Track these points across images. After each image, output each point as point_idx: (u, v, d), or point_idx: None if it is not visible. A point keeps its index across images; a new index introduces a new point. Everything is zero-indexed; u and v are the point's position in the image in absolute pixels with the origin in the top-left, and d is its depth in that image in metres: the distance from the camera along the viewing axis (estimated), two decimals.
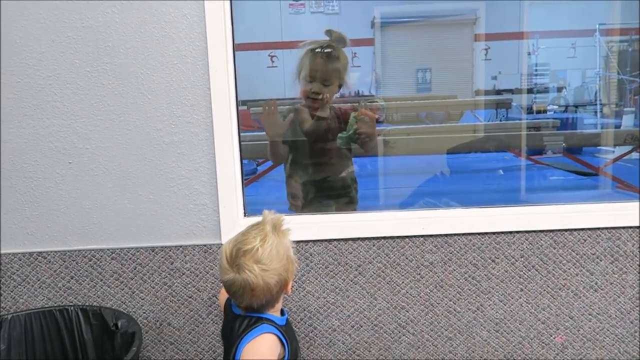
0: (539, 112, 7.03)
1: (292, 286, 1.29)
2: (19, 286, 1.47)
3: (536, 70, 7.34)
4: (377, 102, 5.03)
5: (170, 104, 1.39)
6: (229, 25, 1.39)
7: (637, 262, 1.48)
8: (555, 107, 7.30)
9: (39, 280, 1.47)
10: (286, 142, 1.83)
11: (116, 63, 1.37)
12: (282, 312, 1.20)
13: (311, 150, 1.83)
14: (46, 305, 1.47)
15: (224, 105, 1.39)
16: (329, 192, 1.79)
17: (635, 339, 1.52)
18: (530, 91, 7.20)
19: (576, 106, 7.21)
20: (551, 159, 5.37)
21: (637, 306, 1.50)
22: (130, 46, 1.36)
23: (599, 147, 5.23)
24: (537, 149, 5.48)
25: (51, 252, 1.46)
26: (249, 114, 3.90)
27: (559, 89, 7.09)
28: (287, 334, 1.15)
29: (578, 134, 5.80)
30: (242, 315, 1.14)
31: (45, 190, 1.43)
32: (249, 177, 3.93)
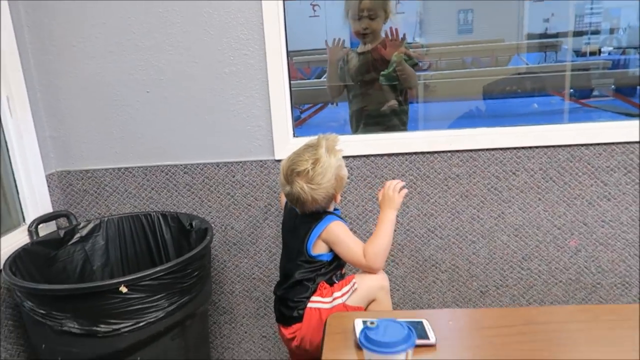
0: (592, 54, 6.79)
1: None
2: (111, 196, 1.79)
3: (591, 9, 7.04)
4: (419, 46, 5.06)
5: (229, 39, 1.62)
6: None
7: None
8: (610, 49, 7.03)
9: (126, 191, 1.78)
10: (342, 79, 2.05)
11: (183, 4, 1.60)
12: (335, 209, 1.44)
13: (358, 83, 2.02)
14: (133, 211, 1.78)
15: (275, 40, 1.60)
16: (375, 120, 1.99)
17: None
18: (582, 33, 6.95)
19: (635, 48, 6.90)
20: (600, 102, 5.28)
21: None
22: None
23: None
24: (585, 91, 5.40)
25: (135, 167, 1.75)
26: (292, 64, 4.07)
27: (612, 30, 6.81)
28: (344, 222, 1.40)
29: (630, 74, 5.62)
30: (308, 213, 1.37)
31: (128, 116, 1.71)
32: (294, 122, 4.15)
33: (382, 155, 1.68)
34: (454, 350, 0.95)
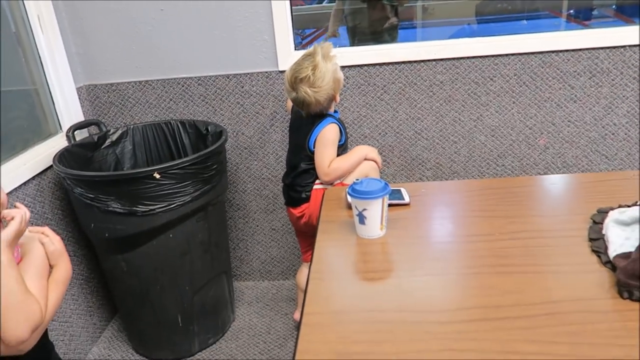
0: None
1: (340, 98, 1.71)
2: (134, 107, 2.02)
3: None
4: None
5: None
6: None
7: (611, 77, 1.82)
8: None
9: (147, 102, 2.00)
10: None
11: None
12: (335, 110, 1.66)
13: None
14: (155, 120, 2.01)
15: None
16: (369, 35, 2.17)
17: (605, 140, 1.91)
18: None
19: None
20: (601, 23, 5.27)
21: (608, 114, 1.87)
22: None
23: None
24: (586, 12, 5.39)
25: (154, 80, 1.96)
26: None
27: None
28: (342, 124, 1.62)
29: None
30: (310, 114, 1.59)
31: (145, 33, 1.90)
32: (295, 46, 4.27)
33: (374, 65, 1.88)
34: (424, 207, 1.21)
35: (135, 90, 1.99)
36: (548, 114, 1.90)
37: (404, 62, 1.87)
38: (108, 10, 1.87)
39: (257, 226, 2.19)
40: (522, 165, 1.98)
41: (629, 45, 1.77)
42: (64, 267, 0.92)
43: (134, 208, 1.54)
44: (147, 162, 1.99)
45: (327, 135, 1.55)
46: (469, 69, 1.86)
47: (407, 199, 1.22)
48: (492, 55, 1.83)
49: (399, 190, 1.26)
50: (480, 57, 1.84)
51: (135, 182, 1.51)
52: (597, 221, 1.03)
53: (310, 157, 1.60)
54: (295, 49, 1.92)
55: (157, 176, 1.51)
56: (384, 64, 1.87)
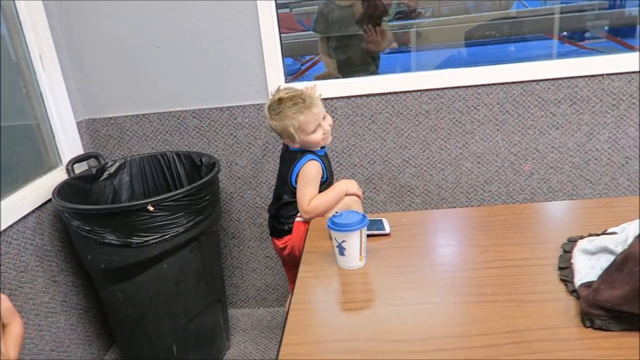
0: None
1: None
2: (131, 139, 2.09)
3: None
4: None
5: None
6: None
7: (591, 105, 1.88)
8: None
9: (144, 134, 2.08)
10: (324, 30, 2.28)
11: None
12: (322, 147, 1.71)
13: (339, 35, 2.26)
14: (151, 152, 2.08)
15: None
16: (354, 67, 2.24)
17: (589, 165, 1.96)
18: None
19: None
20: (595, 44, 5.35)
21: (590, 140, 1.93)
22: None
23: None
24: (579, 34, 5.48)
25: (151, 113, 2.04)
26: (292, 16, 4.23)
27: None
28: (325, 161, 1.66)
29: (625, 14, 5.65)
30: (292, 150, 1.64)
31: (142, 68, 1.98)
32: (294, 74, 4.37)
33: (361, 96, 1.95)
34: (404, 237, 1.26)
35: (132, 124, 2.06)
36: (532, 140, 1.95)
37: (390, 93, 1.94)
38: (107, 48, 1.96)
39: (252, 254, 2.23)
40: (509, 191, 2.03)
41: (607, 74, 1.83)
42: (17, 322, 0.92)
43: (129, 240, 1.59)
44: (144, 193, 2.05)
45: (307, 173, 1.57)
46: (453, 99, 1.92)
47: (387, 229, 1.27)
48: (475, 85, 1.90)
49: (380, 221, 1.31)
50: (464, 87, 1.90)
51: (130, 215, 1.57)
52: (567, 250, 1.08)
53: (292, 191, 1.63)
54: (286, 81, 1.99)
55: (151, 208, 1.56)
56: (370, 95, 1.94)
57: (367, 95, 1.95)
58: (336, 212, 1.15)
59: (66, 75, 1.96)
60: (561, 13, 5.18)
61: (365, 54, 2.24)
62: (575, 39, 5.46)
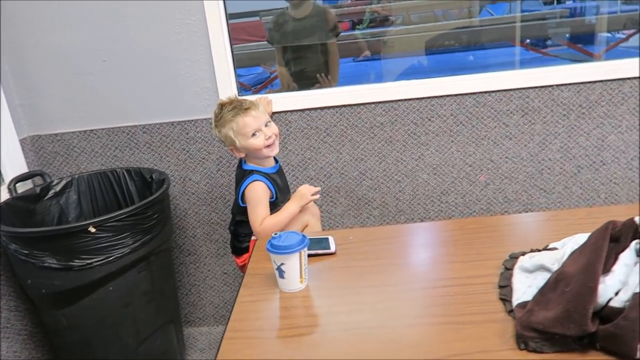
0: (548, 2, 6.92)
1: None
2: (79, 156, 2.02)
3: None
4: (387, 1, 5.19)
5: (174, 9, 1.81)
6: None
7: (542, 115, 1.90)
8: None
9: (93, 150, 2.01)
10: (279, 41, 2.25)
11: None
12: (276, 160, 1.66)
13: (291, 48, 2.24)
14: (101, 169, 2.01)
15: (214, 6, 1.80)
16: (308, 79, 2.22)
17: (542, 175, 1.97)
18: None
19: None
20: (559, 51, 5.45)
21: (542, 149, 1.94)
22: None
23: (615, 35, 5.17)
24: (540, 41, 5.58)
25: (99, 129, 1.97)
26: (262, 24, 4.21)
27: None
28: (274, 180, 1.61)
29: (578, 21, 5.79)
30: (241, 168, 1.60)
31: (90, 83, 1.91)
32: (264, 82, 4.33)
33: (315, 109, 1.92)
34: (349, 256, 1.23)
35: (80, 140, 1.99)
36: (486, 151, 1.95)
37: (344, 105, 1.92)
38: (52, 62, 1.89)
39: (209, 271, 2.18)
40: (465, 201, 2.02)
41: (556, 85, 1.85)
42: None
43: (70, 263, 1.53)
44: (93, 211, 1.98)
45: (252, 194, 1.54)
46: (407, 111, 1.91)
47: (333, 248, 1.24)
48: (429, 97, 1.89)
49: (327, 239, 1.28)
50: (418, 98, 1.90)
51: (70, 237, 1.50)
52: (508, 267, 1.06)
53: (242, 210, 1.59)
54: (240, 94, 1.95)
55: (93, 230, 1.50)
56: (325, 107, 1.92)
57: (322, 108, 1.92)
58: (275, 234, 1.11)
59: (8, 91, 1.88)
60: (523, 21, 5.28)
61: (321, 66, 2.22)
62: (539, 47, 5.56)
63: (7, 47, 1.86)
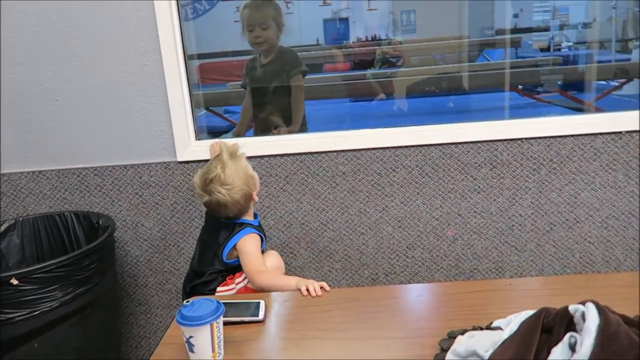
0: (545, 49, 6.99)
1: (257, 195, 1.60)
2: (27, 197, 1.92)
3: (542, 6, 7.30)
4: (396, 41, 5.19)
5: (129, 50, 1.76)
6: None
7: (512, 169, 1.80)
8: (569, 44, 7.24)
9: (41, 192, 1.91)
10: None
11: (85, 19, 1.74)
12: (255, 216, 1.58)
13: (257, 92, 2.17)
14: (48, 212, 1.91)
15: (171, 48, 1.74)
16: (269, 124, 2.13)
17: (513, 231, 1.86)
18: (537, 30, 7.20)
19: (601, 42, 6.96)
20: (551, 97, 5.44)
21: (512, 205, 1.84)
22: (95, 4, 1.72)
23: (609, 82, 5.16)
24: (532, 87, 5.58)
25: (48, 170, 1.88)
26: (235, 64, 4.17)
27: (561, 27, 7.07)
28: (261, 232, 1.54)
29: (570, 69, 5.81)
30: (226, 222, 1.50)
31: (39, 123, 1.84)
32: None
33: (275, 156, 1.84)
34: (278, 324, 1.11)
35: (28, 181, 1.90)
36: (453, 205, 1.85)
37: (304, 153, 1.83)
38: (2, 101, 1.82)
39: (161, 322, 2.04)
40: (432, 256, 1.91)
41: (525, 138, 1.77)
42: None
43: None
44: (37, 256, 1.87)
45: (247, 245, 1.46)
46: (370, 160, 1.83)
47: (261, 316, 1.12)
48: (393, 147, 1.81)
49: (257, 304, 1.16)
50: (381, 148, 1.81)
51: None
52: (444, 348, 0.94)
53: (221, 266, 1.50)
54: (197, 139, 1.87)
55: (15, 282, 1.39)
56: (285, 154, 1.83)
57: (281, 155, 1.84)
58: (187, 301, 1.00)
59: None
60: (514, 67, 5.28)
61: (284, 110, 2.14)
62: (532, 93, 5.55)
63: None
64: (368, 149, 1.82)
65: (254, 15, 2.04)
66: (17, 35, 1.75)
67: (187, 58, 1.83)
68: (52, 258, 1.84)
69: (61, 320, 1.51)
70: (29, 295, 1.42)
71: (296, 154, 1.84)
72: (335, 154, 1.83)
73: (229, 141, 1.64)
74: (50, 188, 1.90)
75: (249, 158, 1.80)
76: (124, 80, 1.79)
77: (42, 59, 1.77)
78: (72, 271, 1.49)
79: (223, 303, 1.09)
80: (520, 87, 5.27)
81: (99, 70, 1.78)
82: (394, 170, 1.83)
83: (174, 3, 1.74)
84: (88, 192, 1.90)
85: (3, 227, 1.82)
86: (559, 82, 5.49)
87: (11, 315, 1.41)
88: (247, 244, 1.47)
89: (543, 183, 1.81)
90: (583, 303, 0.72)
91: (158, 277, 1.98)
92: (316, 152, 1.83)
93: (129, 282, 1.99)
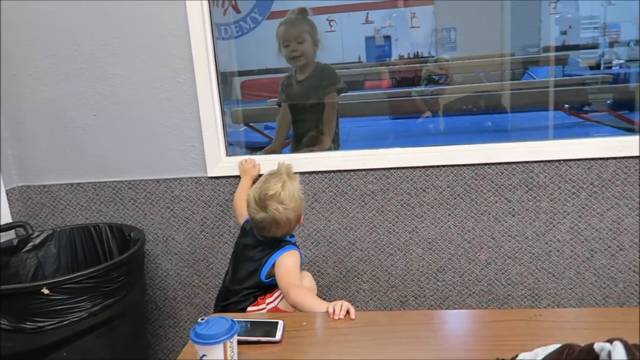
0: (594, 67, 6.75)
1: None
2: (65, 209, 1.99)
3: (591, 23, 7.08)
4: (443, 60, 5.14)
5: (164, 67, 1.80)
6: (206, 6, 1.76)
7: (549, 192, 1.73)
8: (621, 61, 6.97)
9: (78, 204, 1.97)
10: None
11: (124, 37, 1.80)
12: (291, 235, 1.55)
13: (293, 109, 2.17)
14: (84, 223, 1.97)
15: (204, 66, 1.78)
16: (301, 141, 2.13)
17: (550, 257, 1.78)
18: (585, 47, 6.97)
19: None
20: (600, 117, 5.23)
21: (550, 229, 1.75)
22: (133, 24, 1.78)
23: None
24: (580, 106, 5.39)
25: (86, 183, 1.95)
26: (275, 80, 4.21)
27: (611, 44, 6.80)
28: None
29: (621, 88, 5.56)
30: (267, 240, 1.48)
31: (78, 137, 1.91)
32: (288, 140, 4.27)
33: (303, 173, 1.82)
34: (295, 346, 1.09)
35: (66, 192, 1.97)
36: (486, 227, 1.79)
37: (333, 171, 1.82)
38: (45, 115, 1.90)
39: (188, 336, 2.04)
40: (464, 280, 1.84)
41: (564, 160, 1.69)
42: None
43: (21, 325, 1.45)
44: (72, 267, 1.92)
45: (288, 260, 1.44)
46: (400, 180, 1.79)
47: (278, 337, 1.10)
48: (423, 167, 1.77)
49: (275, 324, 1.14)
50: (411, 167, 1.77)
51: (23, 298, 1.43)
52: None
53: (257, 286, 1.47)
54: (227, 155, 1.89)
55: (46, 292, 1.43)
56: (313, 172, 1.82)
57: (310, 173, 1.83)
58: (201, 319, 0.99)
59: (2, 141, 1.89)
60: (559, 86, 5.11)
61: (316, 128, 2.13)
62: (580, 111, 5.34)
63: (5, 98, 1.89)
64: (397, 168, 1.78)
65: (289, 30, 2.06)
66: (61, 53, 1.83)
67: (220, 76, 1.86)
68: (86, 268, 1.90)
69: (89, 330, 1.54)
70: (59, 305, 1.45)
71: (325, 171, 1.82)
72: (364, 172, 1.80)
73: (285, 159, 1.61)
74: (87, 200, 1.96)
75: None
76: (159, 97, 1.83)
77: (82, 75, 1.85)
78: (101, 283, 1.52)
79: (241, 321, 1.08)
80: (567, 106, 5.09)
81: (135, 87, 1.84)
82: (424, 190, 1.79)
83: (207, 23, 1.77)
84: (122, 204, 1.95)
85: (41, 238, 1.88)
86: (609, 101, 5.28)
87: (42, 324, 1.45)
88: (287, 259, 1.45)
89: (583, 207, 1.72)
90: (611, 341, 0.67)
91: (187, 291, 2.00)
92: (345, 170, 1.81)
93: (158, 295, 2.02)
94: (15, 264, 1.81)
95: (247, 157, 1.85)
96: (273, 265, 1.45)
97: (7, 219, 1.91)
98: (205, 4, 1.76)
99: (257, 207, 1.44)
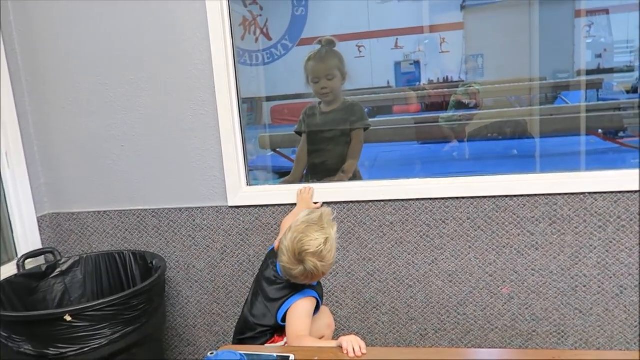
0: (630, 91, 6.58)
1: None
2: (92, 235, 2.05)
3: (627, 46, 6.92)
4: (473, 87, 5.11)
5: (188, 100, 1.86)
6: (229, 38, 1.82)
7: (574, 225, 1.68)
8: None
9: (104, 231, 2.03)
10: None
11: (150, 72, 1.87)
12: None
13: (314, 139, 2.18)
14: (109, 250, 2.02)
15: (226, 99, 1.83)
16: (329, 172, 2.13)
17: (577, 292, 1.72)
18: (620, 71, 6.81)
19: None
20: (635, 142, 5.07)
21: (576, 264, 1.70)
22: (161, 61, 1.85)
23: None
24: (615, 131, 5.24)
25: (112, 211, 2.01)
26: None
27: None
28: (319, 292, 1.52)
29: None
30: (291, 282, 1.45)
31: (106, 167, 1.98)
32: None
33: (322, 204, 1.84)
34: None
35: (94, 220, 2.03)
36: (509, 260, 1.75)
37: (351, 202, 1.82)
38: (75, 146, 1.98)
39: None
40: (486, 315, 1.79)
41: (589, 193, 1.64)
42: None
43: (45, 351, 1.49)
44: (97, 292, 1.97)
45: (301, 307, 1.43)
46: (419, 211, 1.78)
47: None
48: (443, 198, 1.75)
49: (286, 358, 1.14)
50: (431, 199, 1.76)
51: (46, 324, 1.47)
52: None
53: (273, 326, 1.48)
54: (248, 185, 1.92)
55: (68, 319, 1.47)
56: (332, 202, 1.83)
57: (328, 203, 1.83)
58: (211, 353, 1.00)
59: (33, 170, 1.98)
60: (592, 111, 4.98)
61: (343, 159, 2.13)
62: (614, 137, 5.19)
63: (37, 130, 1.99)
64: (416, 200, 1.77)
65: (319, 66, 2.08)
66: (92, 88, 1.92)
67: (248, 102, 1.90)
68: (110, 294, 1.95)
69: (109, 357, 1.56)
70: (81, 331, 1.49)
71: (343, 202, 1.83)
72: (382, 203, 1.80)
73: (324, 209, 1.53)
74: (113, 227, 2.02)
75: (294, 204, 1.83)
76: (183, 128, 1.89)
77: (111, 108, 1.92)
78: (122, 310, 1.56)
79: (252, 355, 1.08)
80: (601, 131, 4.96)
81: (161, 119, 1.90)
82: (443, 222, 1.77)
83: (230, 58, 1.82)
84: (146, 232, 2.00)
85: (68, 264, 1.94)
86: None
87: (64, 350, 1.49)
88: (300, 306, 1.44)
89: (610, 242, 1.66)
90: None
91: (207, 319, 2.02)
92: (363, 201, 1.81)
93: (179, 322, 2.04)
94: (43, 289, 1.87)
95: (306, 186, 1.84)
96: (291, 307, 1.45)
97: (37, 244, 1.98)
98: (229, 39, 1.81)
99: (294, 259, 1.37)
